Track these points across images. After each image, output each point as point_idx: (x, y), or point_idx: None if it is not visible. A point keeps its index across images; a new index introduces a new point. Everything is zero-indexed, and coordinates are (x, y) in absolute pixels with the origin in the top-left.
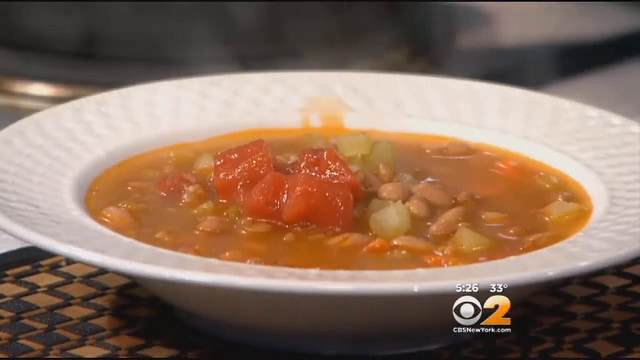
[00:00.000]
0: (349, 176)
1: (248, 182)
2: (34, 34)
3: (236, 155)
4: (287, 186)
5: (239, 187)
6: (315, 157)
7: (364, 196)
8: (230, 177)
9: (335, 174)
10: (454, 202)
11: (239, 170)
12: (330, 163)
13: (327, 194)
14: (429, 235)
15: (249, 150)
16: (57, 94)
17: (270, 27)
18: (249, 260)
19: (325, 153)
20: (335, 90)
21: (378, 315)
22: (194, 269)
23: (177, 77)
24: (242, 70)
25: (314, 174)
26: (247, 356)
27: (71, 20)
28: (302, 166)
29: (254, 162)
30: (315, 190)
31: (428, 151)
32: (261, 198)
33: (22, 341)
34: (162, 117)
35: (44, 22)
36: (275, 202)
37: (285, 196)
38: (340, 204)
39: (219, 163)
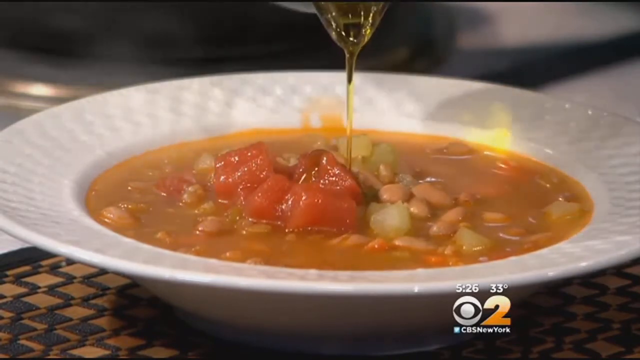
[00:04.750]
0: (348, 180)
1: (248, 185)
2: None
3: (236, 158)
4: (290, 191)
5: (239, 190)
6: (314, 161)
7: (363, 198)
8: (230, 180)
9: (334, 178)
10: (454, 202)
11: (239, 174)
12: (329, 168)
13: (332, 205)
14: (429, 235)
15: (249, 153)
16: (57, 94)
17: (267, 27)
18: (249, 260)
19: (324, 158)
20: (335, 90)
21: (378, 315)
22: (193, 269)
23: (177, 77)
24: (246, 70)
25: (313, 178)
26: (247, 356)
27: (71, 20)
28: (301, 171)
29: (254, 165)
30: (319, 202)
31: (428, 151)
32: (264, 200)
33: (22, 341)
34: (162, 117)
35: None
36: (277, 206)
37: (289, 202)
38: (344, 217)
39: (218, 165)
